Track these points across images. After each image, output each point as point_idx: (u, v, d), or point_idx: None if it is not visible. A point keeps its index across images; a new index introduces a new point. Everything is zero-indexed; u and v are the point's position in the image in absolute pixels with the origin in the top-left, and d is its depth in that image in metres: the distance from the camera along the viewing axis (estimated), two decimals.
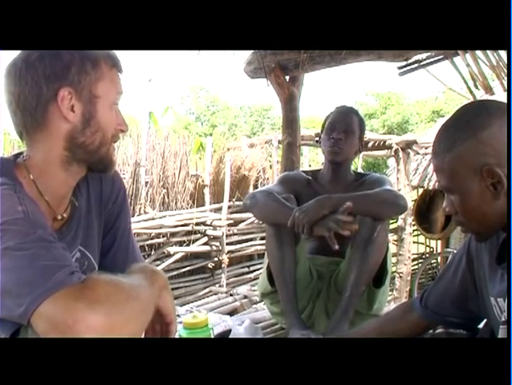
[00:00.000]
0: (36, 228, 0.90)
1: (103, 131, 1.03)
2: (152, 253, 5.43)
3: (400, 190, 4.79)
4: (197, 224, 5.66)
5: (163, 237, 5.54)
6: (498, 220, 1.00)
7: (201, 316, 1.26)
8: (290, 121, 3.29)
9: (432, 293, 1.29)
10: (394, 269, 5.52)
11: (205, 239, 5.80)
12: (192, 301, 4.06)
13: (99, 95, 1.02)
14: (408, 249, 5.40)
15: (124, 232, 1.20)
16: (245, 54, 3.23)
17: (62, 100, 0.98)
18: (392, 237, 6.01)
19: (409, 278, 5.53)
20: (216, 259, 5.90)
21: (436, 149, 1.05)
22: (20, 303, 0.82)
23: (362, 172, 2.92)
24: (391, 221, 6.59)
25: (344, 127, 2.08)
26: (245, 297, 2.65)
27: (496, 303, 1.07)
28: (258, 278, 2.27)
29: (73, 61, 0.99)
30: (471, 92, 3.20)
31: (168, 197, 5.73)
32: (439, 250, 7.07)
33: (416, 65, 3.18)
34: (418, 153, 6.04)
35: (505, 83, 2.92)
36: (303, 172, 2.29)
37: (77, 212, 1.11)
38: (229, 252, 5.98)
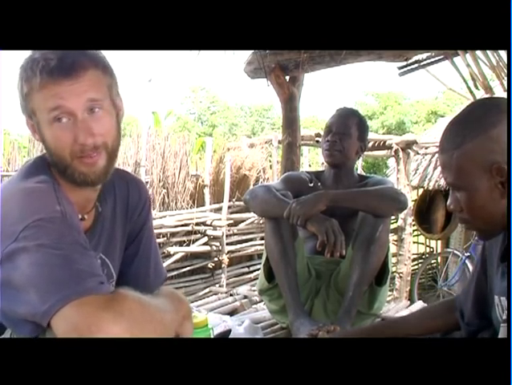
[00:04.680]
0: (72, 230, 0.91)
1: (55, 153, 0.98)
2: None
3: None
4: (197, 224, 5.65)
5: (163, 236, 5.53)
6: (504, 219, 0.98)
7: (201, 316, 1.26)
8: (290, 121, 3.29)
9: (461, 298, 1.25)
10: (394, 269, 5.52)
11: (205, 239, 5.79)
12: (192, 302, 4.03)
13: (38, 119, 0.98)
14: (408, 249, 5.41)
15: (147, 243, 1.19)
16: (245, 54, 3.23)
17: (28, 126, 1.01)
18: (391, 237, 6.01)
19: (409, 278, 5.53)
20: (216, 259, 5.90)
21: (443, 145, 1.03)
22: (46, 300, 0.82)
23: (365, 174, 2.93)
24: (391, 222, 6.61)
25: (339, 129, 2.09)
26: (245, 297, 2.65)
27: (499, 302, 1.06)
28: (258, 278, 2.26)
29: (23, 89, 0.97)
30: (471, 92, 3.20)
31: (168, 197, 5.73)
32: (439, 250, 7.08)
33: (416, 65, 3.17)
34: (418, 153, 6.04)
35: (505, 83, 2.92)
36: (307, 172, 2.29)
37: (101, 218, 1.10)
38: (229, 252, 5.98)
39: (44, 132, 0.98)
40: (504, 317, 1.02)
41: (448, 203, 1.06)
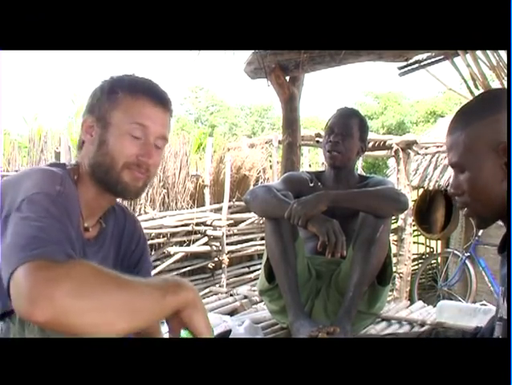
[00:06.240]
0: (61, 209, 0.93)
1: (111, 156, 1.08)
2: (153, 253, 5.43)
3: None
4: (197, 224, 5.66)
5: (163, 237, 5.54)
6: (501, 206, 0.98)
7: None
8: (291, 121, 3.29)
9: None
10: (394, 269, 5.52)
11: (205, 239, 5.80)
12: None
13: (112, 123, 1.08)
14: (408, 249, 5.41)
15: (146, 274, 1.25)
16: (245, 54, 3.23)
17: (83, 125, 1.12)
18: (392, 238, 6.02)
19: (409, 278, 5.53)
20: (216, 259, 5.90)
21: (451, 128, 1.05)
22: (7, 265, 0.82)
23: (365, 174, 2.94)
24: (391, 222, 6.62)
25: (341, 129, 2.09)
26: (246, 297, 2.65)
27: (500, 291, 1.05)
28: (258, 278, 2.26)
29: (101, 94, 1.10)
30: (471, 92, 3.20)
31: (168, 197, 5.73)
32: (439, 250, 7.08)
33: (416, 65, 3.17)
34: (418, 153, 6.04)
35: (505, 82, 2.92)
36: (307, 172, 2.30)
37: (104, 234, 1.18)
38: (229, 252, 5.98)
39: (109, 137, 1.07)
40: (499, 314, 1.02)
41: (449, 187, 1.07)
